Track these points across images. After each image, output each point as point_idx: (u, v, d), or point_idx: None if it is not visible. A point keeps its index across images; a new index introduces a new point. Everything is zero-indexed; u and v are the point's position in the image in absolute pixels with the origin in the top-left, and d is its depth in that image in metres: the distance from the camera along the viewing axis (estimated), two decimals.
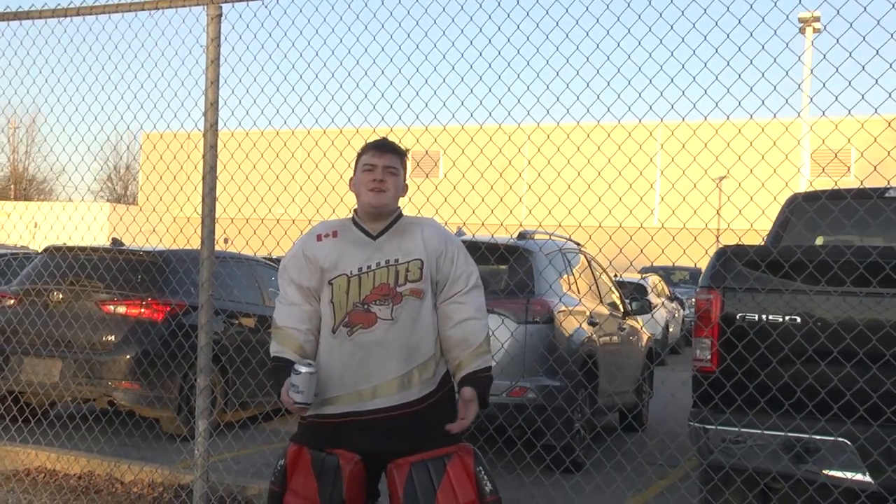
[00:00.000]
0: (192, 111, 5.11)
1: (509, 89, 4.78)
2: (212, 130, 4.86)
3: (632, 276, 17.90)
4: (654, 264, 19.28)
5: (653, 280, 19.77)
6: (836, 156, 5.35)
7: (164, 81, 5.09)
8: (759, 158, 4.77)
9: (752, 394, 4.20)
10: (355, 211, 3.49)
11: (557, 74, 4.78)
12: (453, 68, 4.88)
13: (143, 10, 5.03)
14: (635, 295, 10.37)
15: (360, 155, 3.48)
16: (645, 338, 10.00)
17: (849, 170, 29.40)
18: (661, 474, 7.08)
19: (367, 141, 3.53)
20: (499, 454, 6.30)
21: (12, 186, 52.15)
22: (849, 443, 4.02)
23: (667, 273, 24.49)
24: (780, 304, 4.20)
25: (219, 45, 4.87)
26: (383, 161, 3.38)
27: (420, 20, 4.73)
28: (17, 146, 51.58)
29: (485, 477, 3.30)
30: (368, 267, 3.34)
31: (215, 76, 4.86)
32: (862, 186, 6.06)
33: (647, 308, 10.18)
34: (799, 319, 4.17)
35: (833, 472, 4.06)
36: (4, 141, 46.66)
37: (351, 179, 3.49)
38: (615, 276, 12.09)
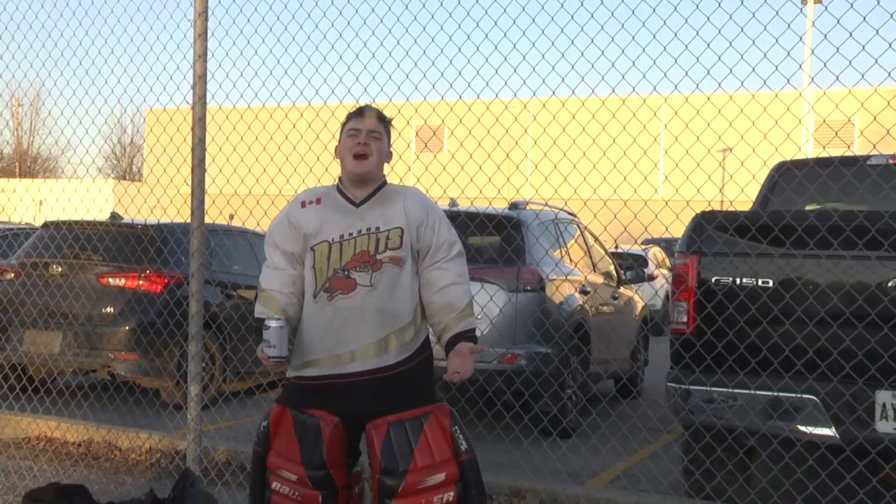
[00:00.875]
0: (180, 84, 5.20)
1: (516, 69, 4.86)
2: (200, 103, 4.95)
3: (634, 248, 18.00)
4: (657, 237, 19.26)
5: (654, 251, 19.86)
6: (836, 134, 5.43)
7: (154, 55, 5.17)
8: (761, 133, 4.86)
9: (722, 354, 4.33)
10: (340, 178, 3.56)
11: (563, 55, 4.84)
12: (450, 38, 4.96)
13: None
14: (631, 264, 10.47)
15: (344, 122, 3.55)
16: (639, 306, 10.11)
17: (850, 145, 29.40)
18: (655, 436, 7.22)
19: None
20: (498, 417, 6.45)
21: (17, 163, 52.24)
22: (814, 398, 4.15)
23: (668, 245, 24.56)
24: (752, 268, 4.31)
25: (206, 20, 4.95)
26: (367, 126, 3.46)
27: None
28: (22, 122, 51.63)
29: (460, 436, 3.40)
30: (350, 234, 3.42)
31: (203, 50, 4.95)
32: (848, 154, 6.15)
33: (641, 277, 10.29)
34: (770, 283, 4.28)
35: (800, 427, 4.20)
36: (8, 117, 46.69)
37: (336, 147, 3.57)
38: (614, 247, 12.20)
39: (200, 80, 4.96)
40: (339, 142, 3.55)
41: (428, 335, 3.55)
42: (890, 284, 4.14)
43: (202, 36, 4.97)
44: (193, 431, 5.08)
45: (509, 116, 5.88)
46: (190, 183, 5.05)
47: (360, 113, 3.52)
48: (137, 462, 6.18)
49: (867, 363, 4.05)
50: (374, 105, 3.61)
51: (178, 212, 7.81)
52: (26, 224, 16.98)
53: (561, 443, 6.71)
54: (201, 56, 4.97)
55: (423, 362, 3.51)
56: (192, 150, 4.98)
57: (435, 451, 3.36)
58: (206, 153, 5.08)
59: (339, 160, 3.55)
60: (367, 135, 3.45)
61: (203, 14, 4.96)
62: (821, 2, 24.61)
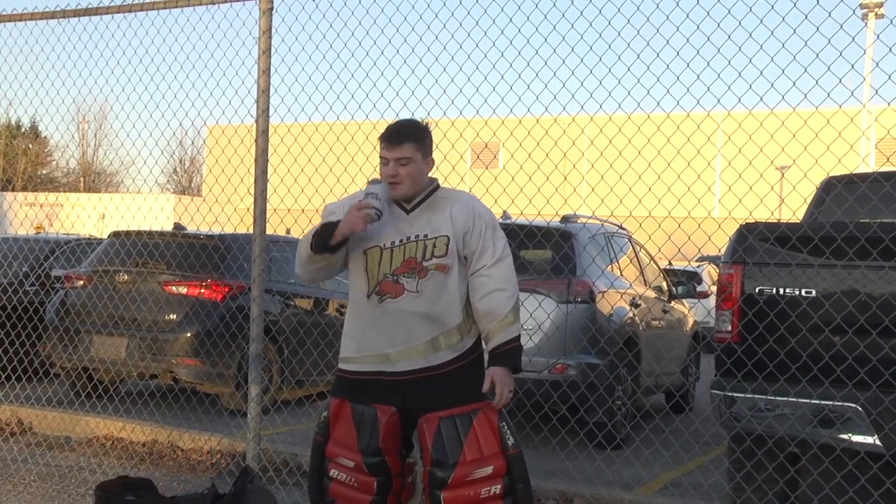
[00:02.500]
0: (244, 99, 5.45)
1: (562, 84, 5.03)
2: (263, 116, 5.21)
3: (688, 266, 17.97)
4: (711, 254, 19.18)
5: (708, 269, 19.77)
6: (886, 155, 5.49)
7: (220, 71, 5.45)
8: (819, 150, 4.94)
9: (763, 361, 4.43)
10: None
11: (619, 81, 4.98)
12: (510, 65, 5.14)
13: (200, 4, 5.39)
14: (682, 280, 10.53)
15: (379, 140, 3.65)
16: (690, 322, 10.16)
17: None
18: (705, 450, 7.29)
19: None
20: (551, 427, 6.58)
21: (82, 178, 53.61)
22: (856, 406, 4.23)
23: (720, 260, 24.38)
24: (794, 277, 4.41)
25: (270, 37, 5.21)
26: (394, 154, 3.55)
27: (480, 19, 5.00)
28: (88, 138, 53.02)
29: (507, 431, 3.55)
30: (400, 241, 3.58)
31: (267, 65, 5.21)
32: (891, 169, 6.21)
33: (692, 292, 10.34)
34: (813, 292, 4.38)
35: (841, 434, 4.28)
36: (74, 130, 48.00)
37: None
38: (668, 263, 12.25)
39: (264, 95, 5.22)
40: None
41: (479, 336, 3.69)
42: None
43: (266, 52, 5.23)
44: (253, 430, 5.31)
45: (565, 134, 6.05)
46: (251, 197, 5.29)
47: (388, 137, 3.61)
48: (199, 462, 6.43)
49: None
50: (421, 120, 3.71)
51: (234, 227, 8.13)
52: (90, 236, 17.54)
53: (612, 454, 6.82)
54: (265, 71, 5.23)
55: (473, 362, 3.65)
56: (256, 160, 5.23)
57: (483, 445, 3.51)
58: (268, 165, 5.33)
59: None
60: (395, 164, 3.55)
61: (267, 32, 5.22)
62: (882, 16, 24.35)
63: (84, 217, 27.58)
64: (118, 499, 4.94)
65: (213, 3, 5.33)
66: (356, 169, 6.40)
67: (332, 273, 3.76)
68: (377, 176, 3.69)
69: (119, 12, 5.70)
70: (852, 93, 4.56)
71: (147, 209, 10.47)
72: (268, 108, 5.22)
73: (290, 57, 5.47)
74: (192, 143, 47.58)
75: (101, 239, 14.09)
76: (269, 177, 5.37)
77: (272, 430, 7.33)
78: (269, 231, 9.47)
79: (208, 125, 7.53)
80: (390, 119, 5.72)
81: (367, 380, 3.64)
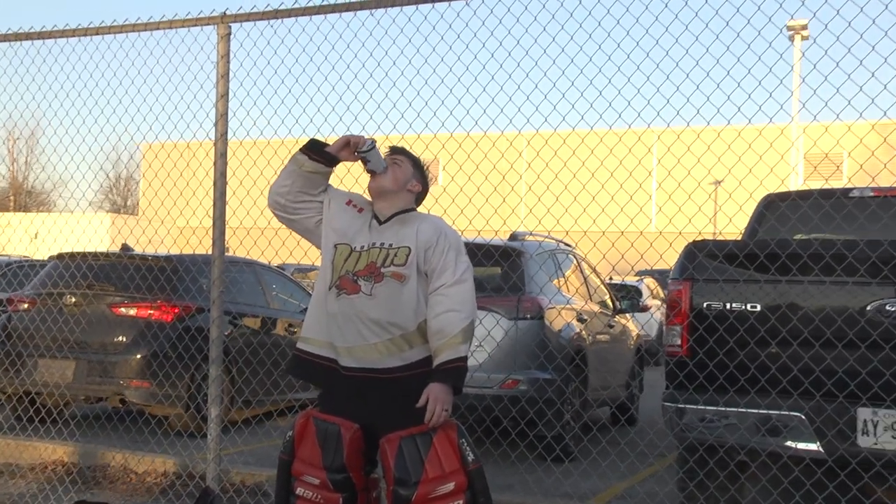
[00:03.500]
0: (192, 121, 5.50)
1: (507, 99, 5.19)
2: (222, 140, 5.27)
3: (628, 279, 18.32)
4: (652, 268, 19.58)
5: (647, 282, 20.15)
6: (815, 168, 5.77)
7: (178, 94, 5.49)
8: (751, 164, 5.17)
9: (713, 373, 4.63)
10: None
11: (563, 95, 5.18)
12: (443, 81, 5.29)
13: (158, 28, 5.44)
14: (625, 295, 10.78)
15: None
16: (634, 335, 10.40)
17: (838, 167, 29.94)
18: (650, 459, 7.49)
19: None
20: (496, 444, 6.72)
21: (11, 197, 52.50)
22: (800, 415, 4.45)
23: (662, 276, 24.86)
24: (740, 293, 4.62)
25: (228, 62, 5.28)
26: (391, 155, 3.83)
27: (417, 33, 5.13)
28: (17, 157, 51.98)
29: (467, 448, 3.65)
30: (368, 246, 3.73)
31: (225, 90, 5.27)
32: (828, 187, 6.51)
33: (636, 307, 10.59)
34: (758, 307, 4.59)
35: (787, 442, 4.49)
36: (5, 153, 47.06)
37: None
38: (609, 278, 12.52)
39: (222, 119, 5.28)
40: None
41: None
42: (868, 308, 4.46)
43: (224, 77, 5.29)
44: (213, 451, 5.34)
45: (504, 150, 6.23)
46: (187, 219, 5.34)
47: (391, 147, 3.89)
48: (153, 485, 6.42)
49: (848, 381, 4.35)
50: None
51: (177, 248, 8.14)
52: (24, 257, 17.24)
53: (558, 466, 6.99)
54: (223, 95, 5.29)
55: (423, 376, 3.67)
56: (214, 183, 5.28)
57: (444, 462, 3.60)
58: (198, 186, 5.39)
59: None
60: (389, 158, 3.81)
61: (225, 57, 5.29)
62: (807, 38, 25.25)
63: (14, 237, 27.03)
64: None
65: (171, 28, 5.37)
66: None
67: (307, 195, 3.86)
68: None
69: (74, 36, 5.71)
70: (781, 106, 4.82)
71: (80, 230, 10.36)
72: (226, 132, 5.29)
73: (243, 72, 5.52)
74: (132, 157, 46.95)
75: (41, 260, 13.91)
76: (201, 198, 5.43)
77: (232, 450, 7.34)
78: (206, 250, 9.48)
79: (147, 141, 7.49)
80: (327, 135, 5.84)
81: (323, 365, 3.75)
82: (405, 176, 3.83)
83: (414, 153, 3.92)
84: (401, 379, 3.68)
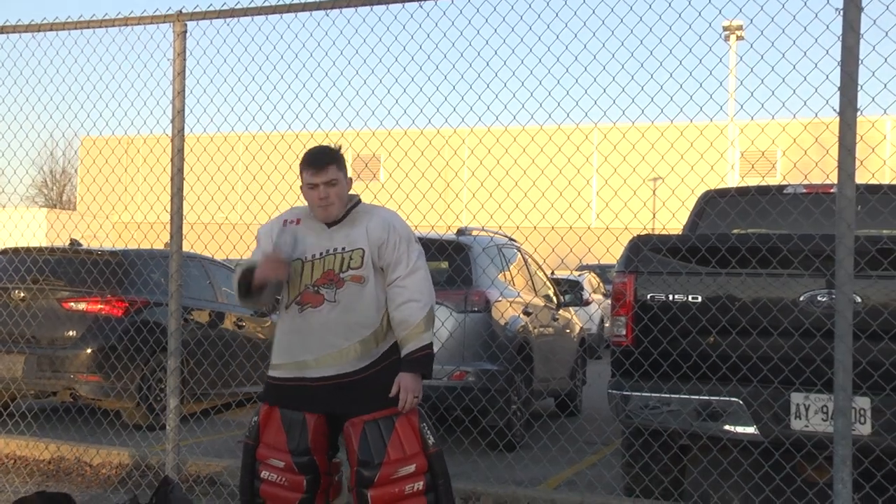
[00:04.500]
0: (147, 117, 5.58)
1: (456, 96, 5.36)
2: (179, 136, 5.36)
3: (569, 274, 18.63)
4: (592, 263, 19.86)
5: (589, 278, 20.49)
6: (752, 166, 6.05)
7: (134, 90, 5.56)
8: (691, 161, 5.43)
9: (657, 362, 4.88)
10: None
11: (505, 84, 5.36)
12: (389, 71, 5.45)
13: (113, 25, 5.51)
14: (568, 289, 11.04)
15: (301, 168, 3.87)
16: (577, 328, 10.68)
17: (774, 165, 30.74)
18: (593, 448, 7.75)
19: (304, 151, 3.92)
20: (449, 432, 6.91)
21: None
22: (738, 400, 4.72)
23: (603, 271, 25.27)
24: (682, 285, 4.87)
25: (184, 59, 5.37)
26: (322, 178, 3.79)
27: (356, 34, 5.29)
28: None
29: (428, 432, 3.84)
30: (321, 254, 3.84)
31: (181, 87, 5.36)
32: (764, 184, 6.82)
33: (579, 300, 10.87)
34: (699, 298, 4.85)
35: (726, 426, 4.76)
36: None
37: (301, 186, 3.89)
38: (551, 273, 12.79)
39: (179, 115, 5.37)
40: (302, 183, 3.87)
41: (396, 342, 3.91)
42: (801, 298, 4.73)
43: (181, 74, 5.39)
44: (172, 441, 5.44)
45: (446, 145, 6.42)
46: (127, 214, 5.43)
47: (312, 163, 3.82)
48: (108, 476, 6.46)
49: (783, 367, 4.62)
50: (334, 145, 3.93)
51: (114, 243, 8.14)
52: None
53: (509, 453, 7.21)
54: (180, 93, 5.38)
55: (389, 366, 3.85)
56: (172, 179, 5.37)
57: (406, 445, 3.78)
58: (142, 182, 5.48)
59: (305, 198, 3.92)
60: (324, 187, 3.79)
61: (182, 54, 5.38)
62: (742, 38, 25.89)
63: None
64: None
65: (127, 25, 5.45)
66: (249, 178, 6.59)
67: (272, 300, 3.97)
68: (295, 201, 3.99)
69: (27, 31, 5.75)
70: (721, 107, 5.08)
71: (13, 225, 10.30)
72: (183, 129, 5.38)
73: (200, 70, 5.61)
74: (63, 153, 46.08)
75: None
76: (146, 193, 5.52)
77: (191, 440, 7.41)
78: (158, 246, 9.51)
79: (85, 133, 7.51)
80: (283, 131, 5.97)
81: (291, 385, 3.87)
82: (344, 190, 3.88)
83: (331, 148, 3.90)
84: (369, 376, 3.83)
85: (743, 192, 6.76)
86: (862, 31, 4.02)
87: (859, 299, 4.53)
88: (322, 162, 3.82)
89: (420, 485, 3.78)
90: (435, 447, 3.85)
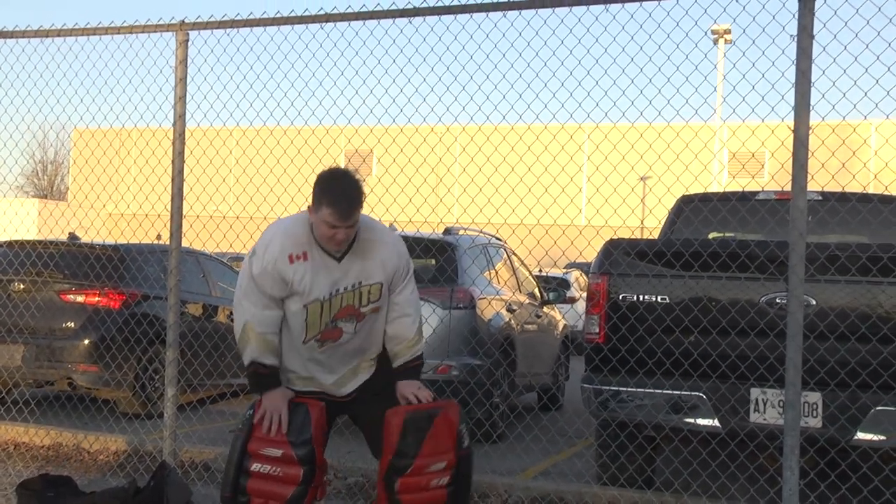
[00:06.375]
0: (144, 112, 5.86)
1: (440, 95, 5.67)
2: (179, 139, 5.66)
3: (556, 272, 18.94)
4: (578, 261, 20.15)
5: (575, 275, 20.79)
6: (752, 155, 6.38)
7: (132, 87, 5.84)
8: (672, 161, 5.72)
9: (626, 358, 5.21)
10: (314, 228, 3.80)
11: (496, 86, 5.66)
12: (387, 72, 5.75)
13: (119, 33, 5.79)
14: (554, 287, 11.37)
15: (321, 198, 3.66)
16: (561, 325, 11.01)
17: (763, 166, 31.18)
18: (575, 442, 8.09)
19: (327, 178, 3.72)
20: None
21: None
22: (701, 394, 5.06)
23: (589, 268, 25.52)
24: (651, 286, 5.21)
25: (186, 66, 5.66)
26: (347, 223, 3.67)
27: (363, 46, 5.59)
28: None
29: (465, 434, 3.97)
30: (337, 291, 3.83)
31: (183, 92, 5.66)
32: (739, 190, 7.16)
33: (563, 298, 11.20)
34: (667, 299, 5.18)
35: (688, 419, 5.10)
36: None
37: (310, 207, 3.76)
38: (539, 270, 13.13)
39: (181, 119, 5.66)
40: (314, 206, 3.71)
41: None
42: (761, 300, 5.07)
43: (182, 80, 5.68)
44: (169, 428, 5.74)
45: (438, 143, 6.72)
46: (120, 206, 5.68)
47: (339, 209, 3.64)
48: (106, 462, 6.76)
49: (739, 364, 4.97)
50: (354, 174, 3.77)
51: (107, 232, 8.44)
52: None
53: (501, 445, 7.55)
54: (181, 98, 5.67)
55: (381, 358, 4.09)
56: (172, 179, 5.67)
57: (441, 442, 3.90)
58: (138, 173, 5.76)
59: (312, 219, 3.76)
60: (345, 230, 3.70)
61: (183, 62, 5.67)
62: (730, 42, 26.26)
63: None
64: (40, 496, 5.28)
65: (132, 33, 5.73)
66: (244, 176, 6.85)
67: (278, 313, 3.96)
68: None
69: (36, 37, 6.03)
70: (715, 111, 5.38)
71: (4, 217, 10.50)
72: (184, 132, 5.67)
73: (200, 77, 5.90)
74: (52, 145, 46.17)
75: None
76: (141, 184, 5.77)
77: (188, 429, 7.71)
78: (150, 237, 9.76)
79: (76, 125, 7.75)
80: (274, 126, 6.24)
81: (305, 391, 4.05)
82: (354, 231, 3.80)
83: (359, 188, 3.73)
84: (371, 377, 4.09)
85: (717, 197, 7.10)
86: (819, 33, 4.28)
87: (814, 301, 4.88)
88: (351, 210, 3.68)
89: (445, 480, 3.90)
90: (467, 450, 3.94)
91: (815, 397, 4.82)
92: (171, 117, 5.67)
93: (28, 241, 9.18)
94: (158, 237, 11.21)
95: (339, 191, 3.68)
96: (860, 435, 4.79)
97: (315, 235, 3.80)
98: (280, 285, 3.82)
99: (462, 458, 3.94)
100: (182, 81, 5.66)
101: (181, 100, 5.66)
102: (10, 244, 9.36)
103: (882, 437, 4.76)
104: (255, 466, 3.84)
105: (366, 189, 3.78)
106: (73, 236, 9.49)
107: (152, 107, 6.37)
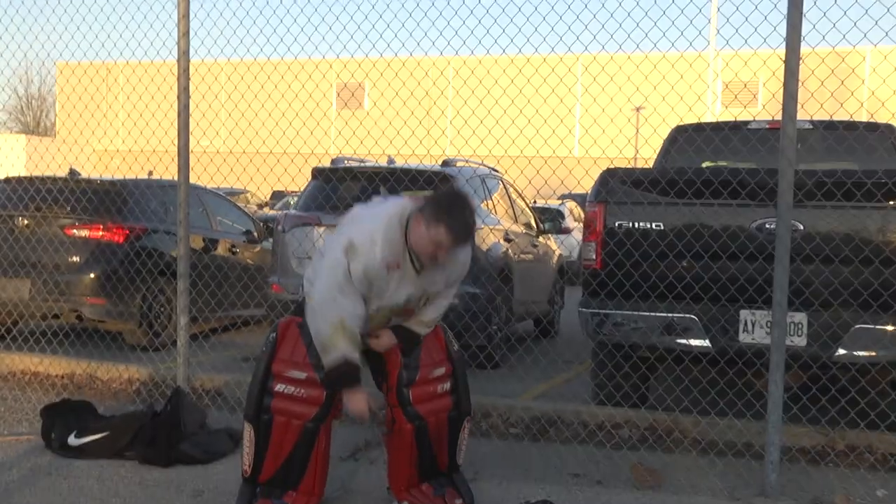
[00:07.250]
0: (128, 44, 5.96)
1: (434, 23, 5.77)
2: (185, 75, 5.77)
3: (551, 203, 19.12)
4: (573, 192, 20.32)
5: (570, 205, 20.98)
6: (745, 86, 6.53)
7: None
8: (672, 91, 5.83)
9: (622, 282, 5.44)
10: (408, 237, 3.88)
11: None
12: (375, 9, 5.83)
13: None
14: (548, 217, 11.57)
15: (438, 218, 3.72)
16: (556, 254, 11.24)
17: (755, 96, 31.18)
18: (569, 367, 8.37)
19: (449, 206, 3.77)
20: None
21: None
22: (693, 317, 5.30)
23: (584, 199, 25.67)
24: (646, 214, 5.41)
25: (188, 2, 5.74)
26: (455, 249, 3.85)
27: None
28: None
29: (451, 339, 4.37)
30: (409, 300, 4.01)
31: (186, 28, 5.75)
32: (731, 120, 7.33)
33: (558, 228, 11.41)
34: (661, 225, 5.38)
35: (681, 340, 5.35)
36: None
37: (416, 216, 3.80)
38: (533, 201, 13.30)
39: (185, 37, 5.74)
40: (423, 221, 3.76)
41: None
42: (751, 226, 5.27)
43: (185, 17, 5.76)
44: (182, 355, 5.97)
45: (431, 75, 6.83)
46: (104, 142, 5.82)
47: (455, 239, 3.77)
48: (119, 390, 7.00)
49: (731, 288, 5.19)
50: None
51: (96, 170, 8.54)
52: None
53: (489, 373, 7.82)
54: (185, 15, 5.74)
55: None
56: (178, 114, 5.80)
57: (434, 350, 4.30)
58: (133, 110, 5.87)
59: (413, 230, 3.81)
60: (444, 255, 3.84)
61: None
62: None
63: None
64: (63, 418, 5.52)
65: None
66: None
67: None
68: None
69: None
70: (709, 42, 5.50)
71: None
72: (188, 50, 5.74)
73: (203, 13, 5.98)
74: (35, 78, 45.75)
75: None
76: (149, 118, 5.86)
77: (197, 359, 7.92)
78: (142, 175, 9.86)
79: (61, 59, 7.78)
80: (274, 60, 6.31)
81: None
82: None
83: (473, 224, 3.87)
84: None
85: (710, 126, 7.26)
86: None
87: (801, 226, 5.09)
88: (466, 239, 3.87)
89: (447, 386, 4.29)
90: (457, 353, 4.36)
91: (800, 317, 5.06)
92: (175, 53, 5.77)
93: (28, 177, 9.29)
94: (150, 173, 11.31)
95: (461, 218, 3.77)
96: (841, 351, 5.07)
97: (409, 243, 3.87)
98: (368, 286, 3.90)
99: (455, 361, 4.33)
100: (185, 18, 5.75)
101: (185, 35, 5.76)
102: (8, 180, 9.46)
103: (861, 353, 5.03)
104: (280, 387, 4.05)
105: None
106: (73, 172, 9.59)
107: (143, 43, 6.42)
